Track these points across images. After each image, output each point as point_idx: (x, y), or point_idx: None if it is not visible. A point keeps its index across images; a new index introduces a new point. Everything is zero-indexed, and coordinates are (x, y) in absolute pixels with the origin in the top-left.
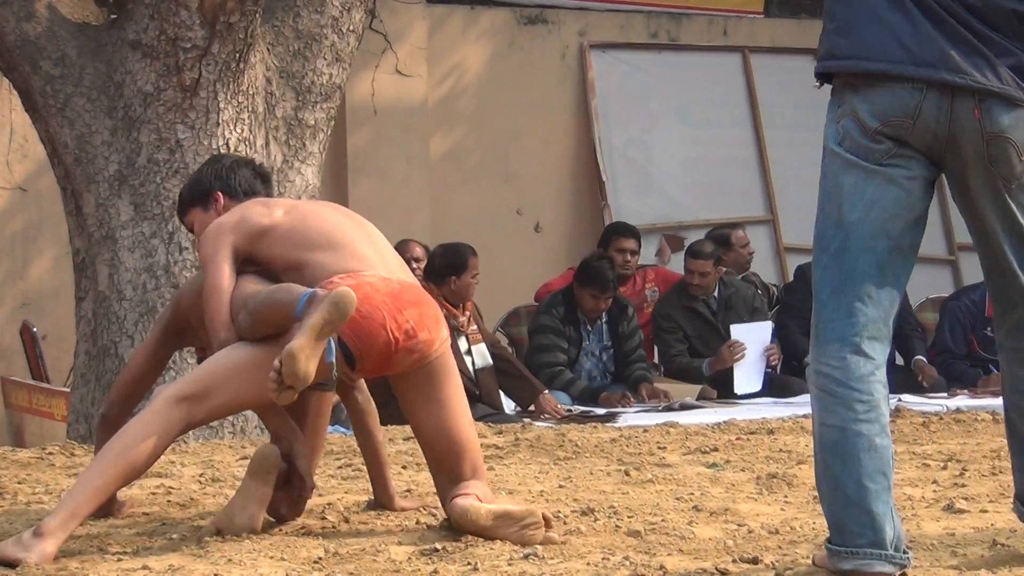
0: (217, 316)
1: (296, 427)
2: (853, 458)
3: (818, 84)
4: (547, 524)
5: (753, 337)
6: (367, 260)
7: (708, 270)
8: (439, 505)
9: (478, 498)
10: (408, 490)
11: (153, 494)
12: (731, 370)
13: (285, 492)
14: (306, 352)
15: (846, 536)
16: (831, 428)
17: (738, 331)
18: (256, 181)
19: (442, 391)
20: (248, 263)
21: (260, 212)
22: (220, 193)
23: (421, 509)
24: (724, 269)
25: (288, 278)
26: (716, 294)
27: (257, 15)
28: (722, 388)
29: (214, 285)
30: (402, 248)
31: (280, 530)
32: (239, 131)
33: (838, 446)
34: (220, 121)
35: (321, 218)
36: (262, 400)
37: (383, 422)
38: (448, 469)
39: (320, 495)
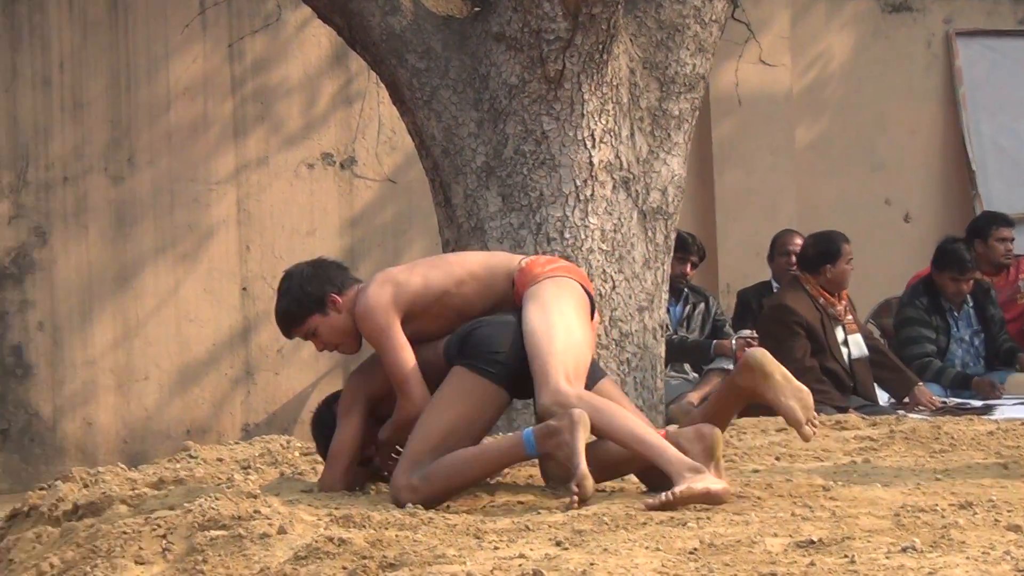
0: (414, 392)
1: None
2: None
3: None
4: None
5: None
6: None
7: None
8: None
9: None
10: None
11: (530, 477)
12: None
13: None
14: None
15: None
16: None
17: None
18: (343, 271)
19: None
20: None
21: (406, 278)
22: (334, 295)
23: None
24: None
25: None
26: None
27: (619, 6)
28: None
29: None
30: (784, 239)
31: (655, 520)
32: (604, 122)
33: None
34: (585, 112)
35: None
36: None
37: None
38: None
39: None
